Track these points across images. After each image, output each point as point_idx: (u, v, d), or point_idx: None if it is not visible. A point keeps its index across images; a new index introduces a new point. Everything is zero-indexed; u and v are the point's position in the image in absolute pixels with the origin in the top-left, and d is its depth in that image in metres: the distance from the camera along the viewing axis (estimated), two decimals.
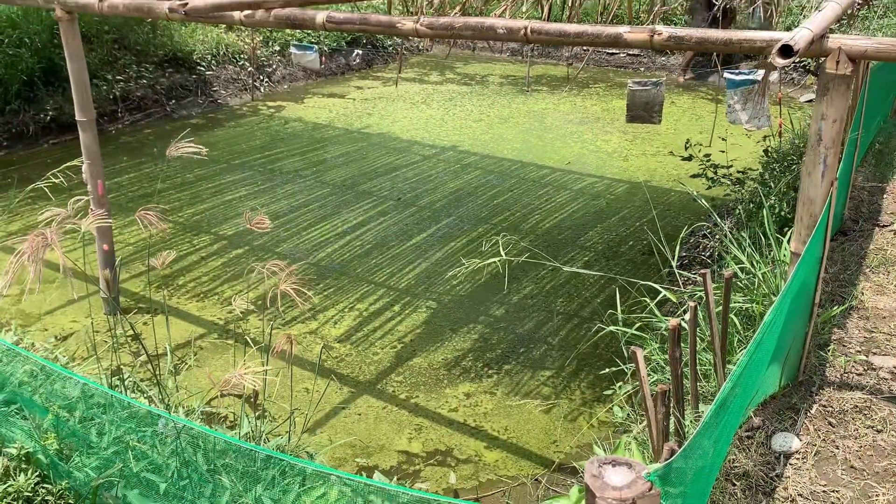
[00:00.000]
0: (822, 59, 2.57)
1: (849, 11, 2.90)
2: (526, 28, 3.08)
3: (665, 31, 2.76)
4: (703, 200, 4.59)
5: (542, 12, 3.86)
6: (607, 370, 3.87)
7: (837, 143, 2.61)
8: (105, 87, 8.87)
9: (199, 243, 6.03)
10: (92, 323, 4.69)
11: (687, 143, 6.29)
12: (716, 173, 5.93)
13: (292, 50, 10.49)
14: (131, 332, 4.57)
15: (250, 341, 4.42)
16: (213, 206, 6.76)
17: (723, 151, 6.57)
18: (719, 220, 4.37)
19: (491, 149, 8.56)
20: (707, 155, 6.09)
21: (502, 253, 4.03)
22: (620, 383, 3.68)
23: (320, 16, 3.54)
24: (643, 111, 6.86)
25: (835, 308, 3.43)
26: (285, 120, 9.63)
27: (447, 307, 5.12)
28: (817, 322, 3.36)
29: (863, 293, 3.74)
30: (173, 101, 9.71)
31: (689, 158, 6.25)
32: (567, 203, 7.00)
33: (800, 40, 2.25)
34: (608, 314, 4.25)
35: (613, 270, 5.54)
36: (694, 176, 6.36)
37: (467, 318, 4.98)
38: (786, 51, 2.25)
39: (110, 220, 4.75)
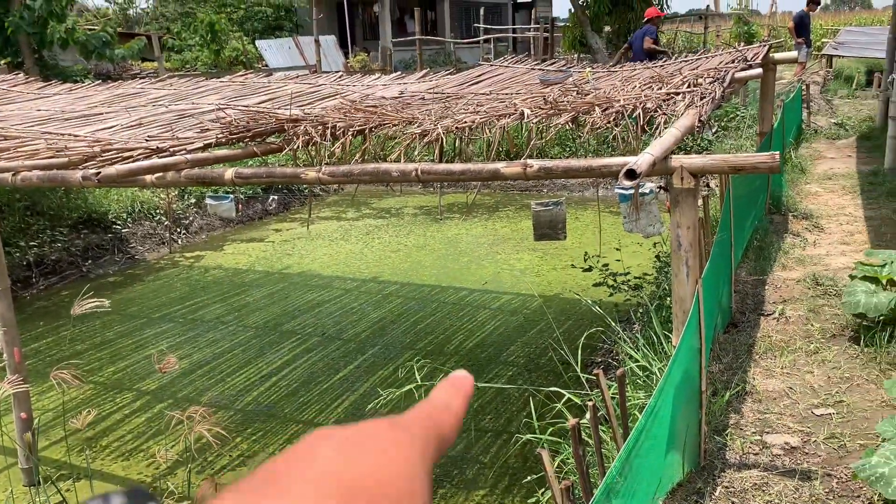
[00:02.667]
0: (670, 176, 2.98)
1: (691, 133, 3.36)
2: (417, 170, 3.43)
3: (535, 164, 3.14)
4: (597, 307, 4.93)
5: (434, 154, 4.26)
6: (529, 477, 4.00)
7: (695, 247, 2.98)
8: (18, 254, 8.85)
9: (121, 401, 5.96)
10: (12, 496, 4.53)
11: (586, 255, 6.74)
12: (615, 281, 6.35)
13: (208, 201, 10.75)
14: (56, 502, 4.43)
15: (176, 495, 4.36)
16: (135, 362, 6.72)
17: (618, 260, 7.05)
18: (613, 323, 4.69)
19: (410, 276, 8.86)
20: (605, 265, 6.53)
21: (418, 378, 4.20)
22: (543, 489, 3.81)
23: (229, 172, 3.82)
24: (549, 229, 7.34)
25: (727, 394, 3.72)
26: (205, 269, 9.74)
27: None
28: (714, 408, 3.63)
29: (754, 378, 4.06)
30: (89, 261, 9.72)
31: (589, 269, 6.68)
32: (487, 321, 7.27)
33: (642, 164, 2.63)
34: (528, 425, 4.42)
35: (536, 382, 5.75)
36: (596, 285, 6.78)
37: None
38: (631, 173, 2.62)
39: (27, 387, 4.70)
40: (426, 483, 0.40)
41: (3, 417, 5.04)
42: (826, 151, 11.15)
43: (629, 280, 6.46)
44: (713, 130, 12.27)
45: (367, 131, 4.35)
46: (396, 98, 5.88)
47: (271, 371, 6.37)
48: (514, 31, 31.00)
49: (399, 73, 9.16)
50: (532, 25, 25.64)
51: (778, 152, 2.80)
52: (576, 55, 19.93)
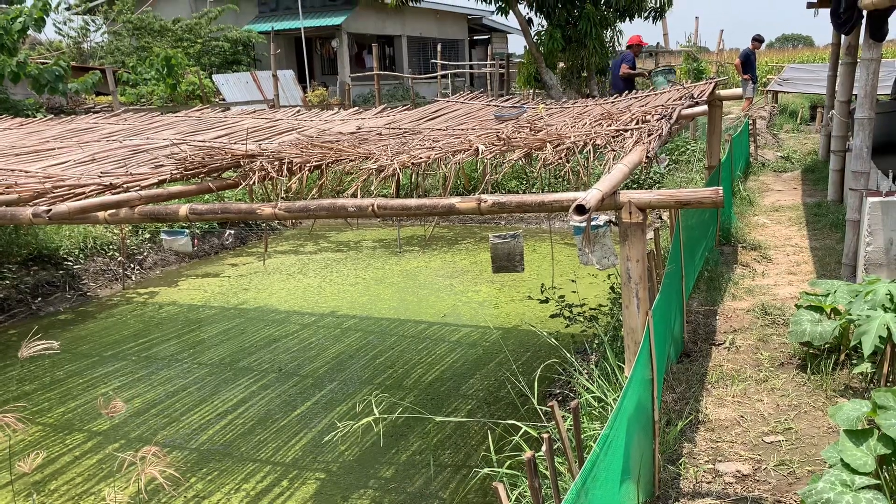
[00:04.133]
0: (619, 210, 3.06)
1: (638, 169, 3.47)
2: (373, 205, 3.46)
3: (489, 199, 3.20)
4: (553, 339, 4.99)
5: (391, 189, 4.31)
6: None
7: (644, 279, 3.06)
8: None
9: (71, 442, 5.79)
10: None
11: (542, 287, 6.83)
12: (571, 312, 6.44)
13: (163, 236, 10.61)
14: None
15: None
16: (86, 402, 6.54)
17: (574, 292, 7.16)
18: (569, 355, 4.75)
19: (369, 310, 8.84)
20: (562, 296, 6.62)
21: (376, 412, 4.18)
22: None
23: (183, 209, 3.80)
24: (506, 261, 7.40)
25: (680, 423, 3.78)
26: (159, 305, 9.58)
27: (336, 475, 5.12)
28: (668, 438, 3.69)
29: (706, 407, 4.14)
30: (39, 298, 9.48)
31: (546, 301, 6.76)
32: (446, 354, 7.27)
33: (591, 200, 2.70)
34: (487, 459, 4.43)
35: (495, 415, 5.76)
36: (553, 316, 6.86)
37: (357, 483, 4.99)
38: (580, 209, 2.69)
39: None
40: None
41: None
42: (773, 184, 11.52)
43: (585, 311, 6.56)
44: (665, 164, 12.59)
45: (323, 167, 4.38)
46: (354, 133, 5.93)
47: (227, 409, 6.27)
48: (470, 66, 31.52)
49: (357, 108, 9.24)
50: (488, 62, 26.11)
51: (721, 188, 2.91)
52: (531, 90, 20.32)
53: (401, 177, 3.95)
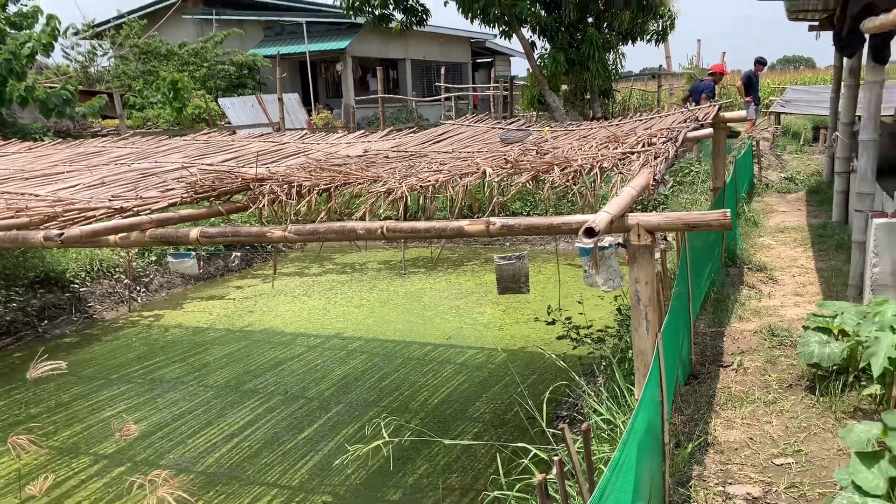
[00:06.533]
0: (628, 233, 3.08)
1: (646, 192, 3.49)
2: (383, 227, 3.49)
3: (498, 221, 3.22)
4: (561, 361, 4.99)
5: (399, 211, 4.33)
6: None
7: (654, 301, 3.07)
8: None
9: (78, 466, 5.77)
10: None
11: (549, 309, 6.83)
12: (578, 334, 6.43)
13: (169, 259, 10.65)
14: None
15: None
16: (91, 425, 6.53)
17: (581, 313, 7.16)
18: (578, 377, 4.74)
19: (374, 332, 8.84)
20: (568, 318, 6.62)
21: (385, 435, 4.17)
22: None
23: (194, 232, 3.83)
24: (511, 283, 7.39)
25: (689, 445, 3.77)
26: (164, 328, 9.59)
27: (343, 499, 5.10)
28: (677, 460, 3.68)
29: (715, 429, 4.12)
30: (46, 321, 9.50)
31: (552, 323, 6.76)
32: (452, 377, 7.26)
33: (600, 223, 2.72)
34: (496, 482, 4.41)
35: (503, 438, 5.74)
36: (560, 338, 6.85)
37: None
38: (590, 231, 2.71)
39: None
40: None
41: None
42: (777, 205, 11.54)
43: (592, 333, 6.55)
44: (669, 185, 12.63)
45: (332, 190, 4.41)
46: (361, 156, 5.98)
47: (233, 432, 6.26)
48: (474, 89, 31.74)
49: (363, 131, 9.31)
50: (491, 84, 26.29)
51: (729, 210, 2.93)
52: (534, 113, 20.45)
53: (408, 199, 3.98)
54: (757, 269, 7.49)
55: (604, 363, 5.53)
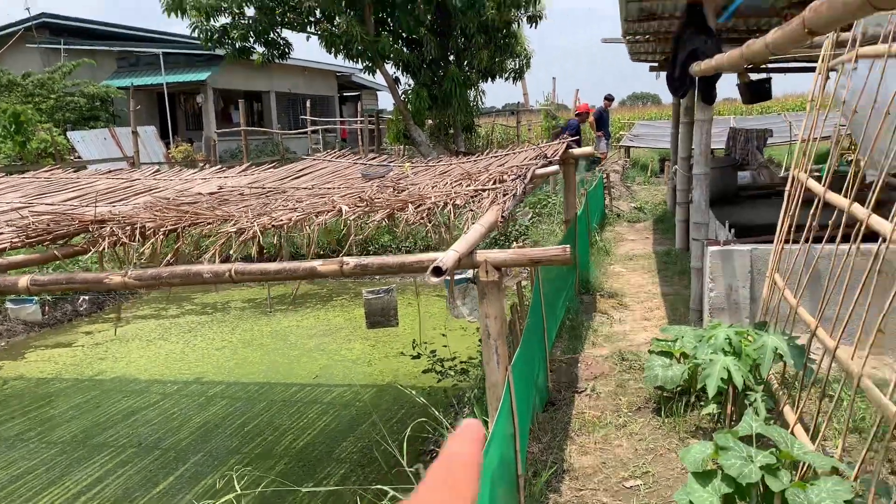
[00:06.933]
0: (477, 269, 3.16)
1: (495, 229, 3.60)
2: (231, 270, 3.38)
3: (351, 261, 3.21)
4: (421, 398, 5.01)
5: (253, 250, 4.23)
6: None
7: (503, 335, 3.15)
8: None
9: None
10: None
11: (413, 343, 6.86)
12: (443, 366, 6.49)
13: (8, 305, 9.84)
14: None
15: None
16: None
17: (445, 346, 7.24)
18: (438, 412, 4.78)
19: (237, 375, 8.51)
20: (433, 351, 6.66)
21: (237, 488, 4.01)
22: None
23: (23, 281, 3.55)
24: (381, 316, 7.37)
25: (545, 474, 3.87)
26: (3, 380, 8.79)
27: None
28: (534, 490, 3.76)
29: (571, 456, 4.26)
30: None
31: (418, 357, 6.79)
32: (319, 417, 7.09)
33: (447, 261, 2.78)
34: None
35: (369, 478, 5.65)
36: (425, 371, 6.89)
37: None
38: (437, 270, 2.76)
39: None
40: None
41: None
42: (627, 234, 12.24)
43: (456, 365, 6.62)
44: (529, 216, 13.10)
45: (180, 230, 4.24)
46: (214, 193, 5.80)
47: (80, 490, 5.80)
48: (342, 122, 31.73)
49: (220, 166, 9.05)
50: (358, 118, 26.39)
51: (568, 246, 3.07)
52: (402, 146, 20.70)
53: (261, 239, 3.89)
54: (609, 296, 7.88)
55: (467, 395, 5.60)
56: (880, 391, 3.05)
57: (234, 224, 4.05)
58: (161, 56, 26.07)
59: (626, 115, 36.33)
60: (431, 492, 0.44)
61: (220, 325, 10.87)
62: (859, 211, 3.52)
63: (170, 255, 4.13)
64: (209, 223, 4.16)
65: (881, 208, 3.48)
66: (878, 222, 3.29)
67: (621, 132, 25.31)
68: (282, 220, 4.00)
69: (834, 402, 3.58)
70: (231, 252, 4.02)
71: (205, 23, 17.03)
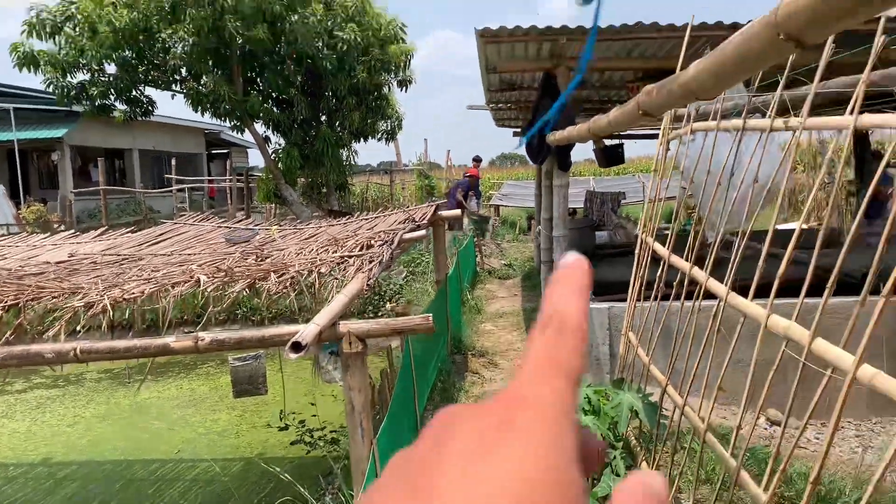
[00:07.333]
0: (340, 340, 3.13)
1: (360, 297, 3.59)
2: (76, 349, 3.17)
3: (207, 337, 3.10)
4: (285, 475, 4.84)
5: (104, 324, 3.99)
6: None
7: (368, 408, 3.12)
8: None
9: None
10: None
11: (281, 413, 6.65)
12: (312, 437, 6.31)
13: None
14: None
15: None
16: None
17: (315, 415, 7.05)
18: (302, 489, 4.63)
19: (91, 454, 7.89)
20: (302, 421, 6.48)
21: None
22: None
23: None
24: (248, 384, 7.09)
25: None
26: None
27: None
28: None
29: None
30: None
31: (286, 428, 6.58)
32: (181, 496, 6.68)
33: (307, 336, 2.74)
34: None
35: None
36: (293, 443, 6.67)
37: None
38: (296, 346, 2.71)
39: None
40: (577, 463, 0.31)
41: None
42: (497, 291, 12.55)
43: (326, 435, 6.46)
44: (403, 275, 13.18)
45: (21, 305, 3.95)
46: (64, 262, 5.46)
47: None
48: (211, 181, 30.90)
49: (73, 231, 8.54)
50: (227, 177, 25.81)
51: (431, 315, 3.11)
52: (272, 205, 20.36)
53: (111, 314, 3.69)
54: (480, 355, 8.00)
55: (335, 468, 5.46)
56: (723, 445, 3.26)
57: (83, 297, 3.83)
58: (12, 111, 24.52)
59: (495, 175, 37.65)
60: (538, 369, 0.34)
61: (72, 398, 10.09)
62: (699, 275, 3.79)
63: (9, 333, 3.83)
64: (55, 297, 3.91)
65: (720, 266, 3.77)
66: (714, 286, 3.56)
67: (491, 192, 26.16)
68: (134, 293, 3.82)
69: (686, 454, 3.78)
70: (79, 328, 3.78)
71: (61, 79, 16.23)
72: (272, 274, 3.95)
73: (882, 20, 2.44)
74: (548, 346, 0.35)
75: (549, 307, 0.37)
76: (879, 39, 2.53)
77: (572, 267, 0.38)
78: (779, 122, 3.17)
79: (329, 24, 16.49)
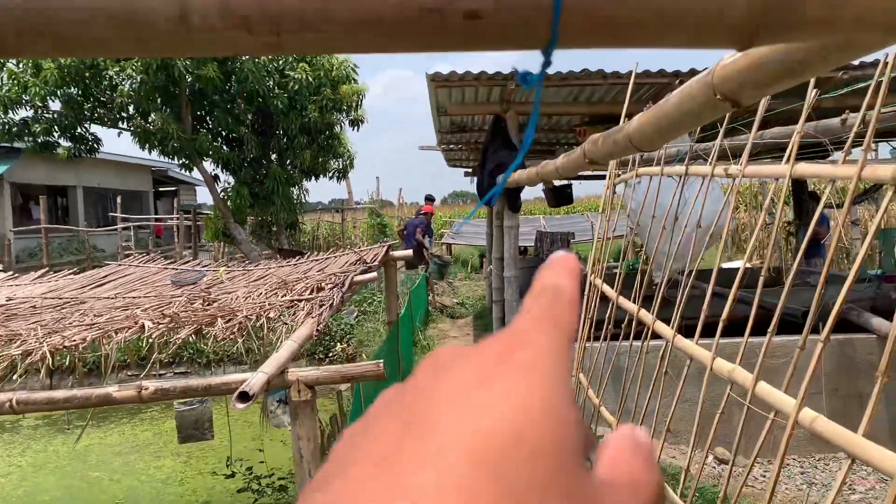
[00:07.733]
0: (289, 388, 3.08)
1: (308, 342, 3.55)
2: (11, 401, 3.05)
3: (151, 385, 3.01)
4: None
5: (42, 373, 3.85)
6: None
7: (317, 457, 3.06)
8: None
9: None
10: None
11: (228, 460, 6.48)
12: (259, 484, 6.16)
13: None
14: None
15: None
16: None
17: (262, 462, 6.89)
18: None
19: None
20: (249, 468, 6.32)
21: None
22: None
23: None
24: (194, 429, 6.90)
25: None
26: None
27: None
28: None
29: None
30: None
31: (233, 475, 6.41)
32: None
33: (254, 385, 2.69)
34: None
35: None
36: (241, 490, 6.49)
37: None
38: (243, 396, 2.66)
39: None
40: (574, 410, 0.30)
41: None
42: (450, 330, 12.54)
43: (274, 482, 6.30)
44: (354, 315, 13.07)
45: None
46: (1, 307, 5.27)
47: None
48: (158, 219, 30.34)
49: (12, 273, 8.25)
50: (175, 215, 25.38)
51: (382, 361, 3.08)
52: (221, 244, 20.05)
53: (51, 362, 3.56)
54: None
55: None
56: (672, 486, 3.28)
57: (21, 345, 3.69)
58: None
59: (448, 213, 37.86)
60: (534, 321, 0.34)
61: (7, 446, 9.65)
62: (646, 317, 3.86)
63: None
64: None
65: (667, 306, 3.84)
66: (661, 328, 3.63)
67: (443, 230, 26.28)
68: (76, 340, 3.70)
69: None
70: (16, 377, 3.65)
71: (2, 115, 15.84)
72: (219, 319, 3.88)
73: (812, 79, 2.56)
74: (542, 306, 0.36)
75: (540, 284, 0.38)
76: (812, 93, 2.65)
77: (563, 257, 0.39)
78: (719, 169, 3.28)
79: (280, 63, 16.52)
